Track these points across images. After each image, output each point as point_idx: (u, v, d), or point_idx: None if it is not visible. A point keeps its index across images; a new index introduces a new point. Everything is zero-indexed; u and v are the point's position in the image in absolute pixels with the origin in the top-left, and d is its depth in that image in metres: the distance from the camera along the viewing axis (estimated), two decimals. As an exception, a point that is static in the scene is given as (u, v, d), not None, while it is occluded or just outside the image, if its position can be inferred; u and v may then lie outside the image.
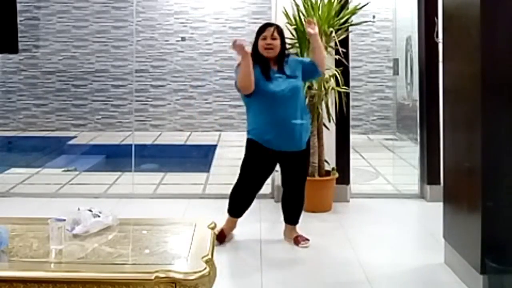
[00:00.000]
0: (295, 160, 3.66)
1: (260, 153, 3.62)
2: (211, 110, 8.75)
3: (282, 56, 3.60)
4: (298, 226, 3.82)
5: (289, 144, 3.57)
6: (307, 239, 3.74)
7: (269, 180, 4.95)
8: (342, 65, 4.65)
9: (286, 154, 3.60)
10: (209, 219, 2.60)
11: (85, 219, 2.42)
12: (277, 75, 3.56)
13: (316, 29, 3.65)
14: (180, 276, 1.96)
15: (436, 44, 4.64)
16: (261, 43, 3.57)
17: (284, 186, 3.80)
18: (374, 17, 7.89)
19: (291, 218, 3.81)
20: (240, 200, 3.78)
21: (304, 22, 4.08)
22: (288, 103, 3.52)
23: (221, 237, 3.69)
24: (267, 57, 3.57)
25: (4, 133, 8.53)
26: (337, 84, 4.55)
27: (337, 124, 4.77)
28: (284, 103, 3.51)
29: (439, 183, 4.46)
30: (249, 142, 3.68)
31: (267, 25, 3.65)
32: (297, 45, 4.62)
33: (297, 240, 3.74)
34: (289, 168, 3.71)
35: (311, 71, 3.68)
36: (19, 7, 5.93)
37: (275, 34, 3.56)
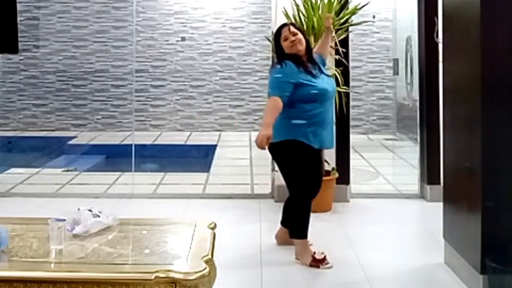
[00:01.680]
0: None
1: (308, 153, 3.38)
2: (211, 110, 8.75)
3: (310, 50, 3.49)
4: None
5: (331, 141, 3.51)
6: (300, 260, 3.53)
7: (269, 180, 4.99)
8: (342, 65, 4.65)
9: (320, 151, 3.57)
10: (209, 219, 2.60)
11: (85, 219, 2.42)
12: (315, 72, 3.41)
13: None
14: (180, 276, 1.96)
15: (436, 44, 4.64)
16: (285, 44, 3.40)
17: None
18: (374, 17, 7.89)
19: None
20: (306, 215, 3.49)
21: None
22: (331, 100, 3.54)
23: (322, 260, 3.41)
24: (298, 55, 3.40)
25: (4, 133, 8.53)
26: (337, 84, 4.54)
27: (337, 124, 4.75)
28: (329, 100, 3.48)
29: (439, 183, 4.46)
30: (295, 144, 3.36)
31: (281, 26, 3.50)
32: (297, 45, 4.62)
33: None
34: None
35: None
36: (19, 7, 5.93)
37: (293, 29, 3.41)
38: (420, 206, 4.79)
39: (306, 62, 3.42)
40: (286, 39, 3.41)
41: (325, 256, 3.40)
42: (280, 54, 3.46)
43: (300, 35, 3.42)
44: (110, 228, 2.46)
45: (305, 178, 3.45)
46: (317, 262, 3.37)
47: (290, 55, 3.40)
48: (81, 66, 8.71)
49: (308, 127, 3.34)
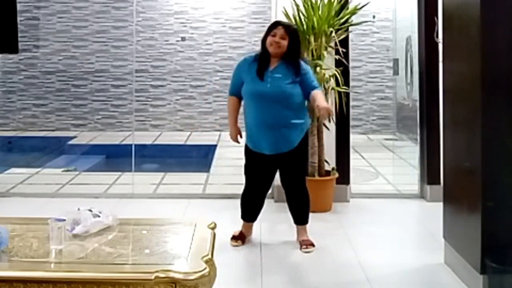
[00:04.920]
0: (287, 160, 3.61)
1: (254, 157, 3.67)
2: (211, 110, 8.75)
3: (288, 57, 3.54)
4: (308, 227, 3.78)
5: (276, 146, 3.55)
6: (312, 245, 3.67)
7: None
8: (342, 65, 4.65)
9: (278, 156, 3.58)
10: (209, 219, 2.60)
11: (85, 219, 2.42)
12: (274, 74, 3.53)
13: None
14: (180, 276, 1.96)
15: (436, 44, 4.64)
16: (269, 39, 3.54)
17: (283, 187, 3.80)
18: (374, 17, 7.89)
19: (297, 218, 3.78)
20: (248, 205, 3.81)
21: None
22: (275, 104, 3.48)
23: (242, 237, 3.78)
24: (270, 54, 3.55)
25: (4, 133, 8.53)
26: (337, 84, 4.55)
27: (337, 124, 4.77)
28: (270, 103, 3.48)
29: (439, 183, 4.46)
30: (245, 146, 3.76)
31: (278, 23, 3.62)
32: (297, 45, 4.62)
33: (301, 244, 3.69)
34: (284, 169, 3.69)
35: (304, 90, 3.56)
36: (19, 7, 5.93)
37: (284, 33, 3.52)
38: (420, 206, 4.79)
39: (271, 65, 3.56)
40: (273, 36, 3.54)
41: (240, 234, 3.79)
42: (262, 44, 3.62)
43: (285, 42, 3.52)
44: (110, 228, 2.46)
45: (246, 174, 3.80)
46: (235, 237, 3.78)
47: (264, 49, 3.58)
48: (81, 66, 8.70)
49: (251, 129, 3.62)
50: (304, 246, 3.65)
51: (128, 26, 8.57)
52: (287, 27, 3.59)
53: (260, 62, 3.55)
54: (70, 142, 8.13)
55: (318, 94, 3.49)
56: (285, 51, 3.53)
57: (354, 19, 4.75)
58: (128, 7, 8.56)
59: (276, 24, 3.62)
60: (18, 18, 5.79)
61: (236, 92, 3.69)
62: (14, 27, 5.61)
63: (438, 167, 4.61)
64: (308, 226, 3.77)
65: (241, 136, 3.75)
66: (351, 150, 5.00)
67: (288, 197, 3.78)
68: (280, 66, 3.55)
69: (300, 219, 3.77)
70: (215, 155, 7.06)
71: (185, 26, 8.71)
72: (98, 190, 5.18)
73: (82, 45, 8.69)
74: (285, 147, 3.55)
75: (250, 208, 3.81)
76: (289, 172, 3.68)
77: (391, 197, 5.03)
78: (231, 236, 3.76)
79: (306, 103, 3.63)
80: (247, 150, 3.71)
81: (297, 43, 3.61)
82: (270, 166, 3.68)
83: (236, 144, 3.86)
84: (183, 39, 8.71)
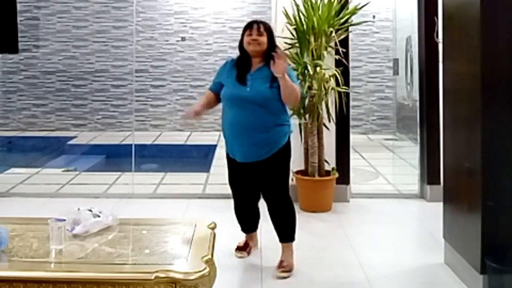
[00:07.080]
0: (265, 169, 3.30)
1: (232, 165, 3.42)
2: (211, 110, 8.72)
3: (269, 55, 3.23)
4: (295, 244, 3.43)
5: (248, 155, 3.29)
6: (290, 270, 3.30)
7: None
8: (342, 65, 4.65)
9: (252, 164, 3.30)
10: (209, 219, 2.60)
11: (85, 219, 2.42)
12: (255, 77, 3.29)
13: (284, 67, 3.14)
14: (180, 276, 1.96)
15: (436, 44, 4.64)
16: (246, 39, 3.32)
17: (264, 199, 3.45)
18: (374, 17, 7.90)
19: (279, 234, 3.43)
20: (242, 217, 3.60)
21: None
22: (255, 107, 3.23)
23: (246, 248, 3.61)
24: (250, 56, 3.33)
25: (4, 133, 8.53)
26: (337, 84, 4.55)
27: (337, 124, 4.77)
28: (249, 107, 3.24)
29: (439, 183, 4.46)
30: (226, 155, 3.49)
31: (253, 22, 3.35)
32: (297, 45, 4.63)
33: (279, 264, 3.34)
34: (262, 179, 3.36)
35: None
36: (19, 7, 5.94)
37: (261, 30, 3.29)
38: (420, 206, 4.79)
39: (252, 64, 3.33)
40: (249, 35, 3.30)
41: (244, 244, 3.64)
42: (239, 46, 3.40)
43: (264, 38, 3.30)
44: (110, 228, 2.47)
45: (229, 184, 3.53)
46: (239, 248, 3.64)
47: (243, 50, 3.36)
48: (81, 66, 8.70)
49: (227, 133, 3.41)
50: (281, 269, 3.29)
51: (128, 26, 8.57)
52: (262, 23, 3.37)
53: (240, 66, 3.34)
54: (70, 142, 8.12)
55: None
56: (265, 49, 3.29)
57: (354, 19, 4.75)
58: (128, 7, 8.56)
59: (251, 23, 3.38)
60: (18, 18, 5.80)
61: (214, 89, 3.51)
62: (14, 27, 5.61)
63: (438, 167, 4.62)
64: (294, 243, 3.41)
65: (197, 114, 3.49)
66: (351, 150, 5.00)
67: (270, 210, 3.41)
68: (261, 69, 3.30)
69: (283, 236, 3.41)
70: (215, 155, 7.06)
71: (185, 26, 8.71)
72: (98, 190, 5.17)
73: (82, 45, 8.69)
74: (259, 156, 3.27)
75: (245, 220, 3.60)
76: (268, 181, 3.34)
77: (391, 197, 5.03)
78: (235, 247, 3.60)
79: (287, 107, 3.39)
80: (227, 158, 3.45)
81: (274, 39, 3.39)
82: (248, 174, 3.37)
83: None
84: (183, 39, 8.71)
